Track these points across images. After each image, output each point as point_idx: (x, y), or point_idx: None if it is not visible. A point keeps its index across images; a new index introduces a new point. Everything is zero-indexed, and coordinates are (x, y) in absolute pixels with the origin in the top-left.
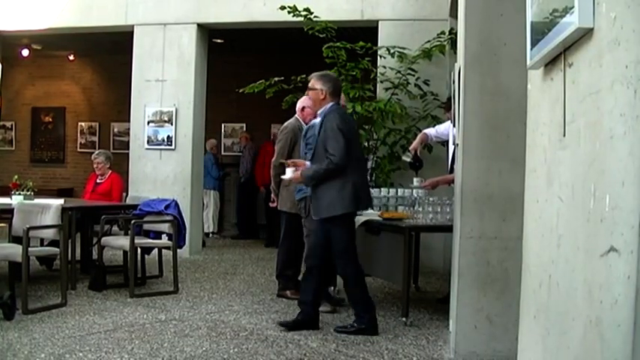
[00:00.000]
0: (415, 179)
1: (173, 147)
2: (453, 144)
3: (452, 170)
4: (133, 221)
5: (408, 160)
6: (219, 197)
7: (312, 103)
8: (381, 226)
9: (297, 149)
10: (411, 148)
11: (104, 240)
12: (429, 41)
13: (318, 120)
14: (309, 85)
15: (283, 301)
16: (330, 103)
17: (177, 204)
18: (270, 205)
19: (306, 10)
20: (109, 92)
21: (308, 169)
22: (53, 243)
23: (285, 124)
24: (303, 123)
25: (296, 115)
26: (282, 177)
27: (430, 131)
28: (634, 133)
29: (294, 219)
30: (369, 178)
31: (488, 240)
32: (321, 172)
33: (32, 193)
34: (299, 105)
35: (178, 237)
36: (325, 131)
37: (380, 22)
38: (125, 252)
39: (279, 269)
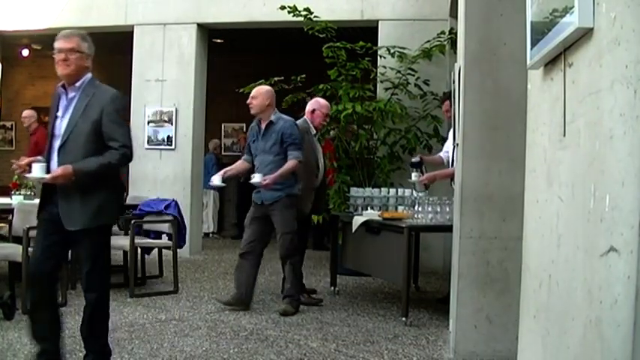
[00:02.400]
0: (413, 174)
1: (173, 147)
2: (453, 144)
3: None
4: (133, 221)
5: (415, 179)
6: (219, 197)
7: (72, 69)
8: (381, 226)
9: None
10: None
11: None
12: (429, 41)
13: (73, 94)
14: (66, 44)
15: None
16: (90, 74)
17: (177, 204)
18: None
19: (306, 10)
20: None
21: (87, 162)
22: None
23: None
24: (311, 126)
25: (305, 117)
26: (27, 175)
27: (442, 154)
28: (634, 133)
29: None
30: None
31: (488, 240)
32: (111, 167)
33: (32, 193)
34: (309, 107)
35: (178, 237)
36: (106, 114)
37: (380, 22)
38: (125, 252)
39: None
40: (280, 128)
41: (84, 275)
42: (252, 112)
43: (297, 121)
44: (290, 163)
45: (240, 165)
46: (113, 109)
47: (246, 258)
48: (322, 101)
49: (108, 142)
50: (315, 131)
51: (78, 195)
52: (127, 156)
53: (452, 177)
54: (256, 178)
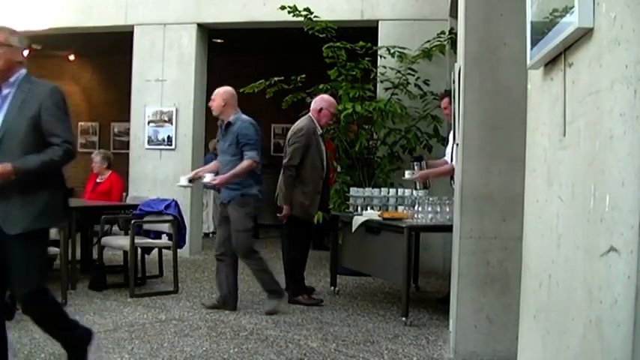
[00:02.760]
0: (407, 172)
1: (173, 147)
2: (453, 144)
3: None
4: (133, 221)
5: (410, 176)
6: None
7: (2, 64)
8: (381, 226)
9: (310, 152)
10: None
11: (104, 240)
12: (429, 41)
13: (7, 91)
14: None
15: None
16: (24, 70)
17: (177, 204)
18: (279, 216)
19: (306, 10)
20: (109, 92)
21: (27, 160)
22: (53, 243)
23: (300, 125)
24: (318, 125)
25: (309, 115)
26: None
27: (447, 159)
28: (634, 133)
29: (297, 221)
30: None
31: (488, 240)
32: (53, 164)
33: None
34: (316, 105)
35: (178, 237)
36: (45, 109)
37: (380, 22)
38: (125, 252)
39: (288, 274)
40: (237, 129)
41: (18, 279)
42: (213, 113)
43: (302, 119)
44: (244, 163)
45: (212, 166)
46: (52, 103)
47: (222, 259)
48: (330, 99)
49: (49, 138)
50: (320, 130)
51: (18, 196)
52: (70, 152)
53: (445, 174)
54: (207, 177)
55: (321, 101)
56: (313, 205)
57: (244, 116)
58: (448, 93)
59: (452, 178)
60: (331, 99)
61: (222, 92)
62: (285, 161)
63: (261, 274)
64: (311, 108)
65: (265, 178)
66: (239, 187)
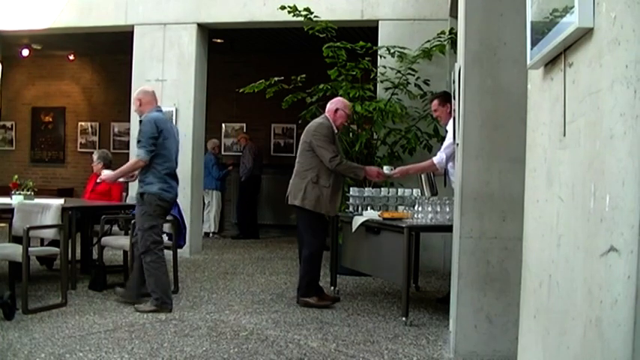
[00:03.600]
0: (385, 167)
1: None
2: (453, 143)
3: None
4: (133, 221)
5: (388, 171)
6: (221, 197)
7: None
8: (381, 226)
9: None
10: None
11: (104, 240)
12: (429, 41)
13: None
14: None
15: (283, 301)
16: None
17: (177, 204)
18: (378, 176)
19: (306, 10)
20: (109, 92)
21: None
22: (53, 243)
23: (321, 121)
24: (333, 125)
25: (325, 115)
26: None
27: (436, 159)
28: (634, 132)
29: (317, 218)
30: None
31: (488, 240)
32: None
33: (32, 193)
34: (332, 106)
35: (178, 237)
36: None
37: (380, 22)
38: (125, 252)
39: (302, 273)
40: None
41: None
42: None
43: (318, 118)
44: (130, 162)
45: None
46: None
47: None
48: (345, 101)
49: None
50: (336, 131)
51: None
52: None
53: (425, 169)
54: (102, 173)
55: (337, 102)
56: (333, 204)
57: (152, 113)
58: (436, 96)
59: (446, 177)
60: (347, 101)
61: (136, 94)
62: (327, 161)
63: (148, 275)
64: (327, 109)
65: (265, 178)
66: (141, 184)
